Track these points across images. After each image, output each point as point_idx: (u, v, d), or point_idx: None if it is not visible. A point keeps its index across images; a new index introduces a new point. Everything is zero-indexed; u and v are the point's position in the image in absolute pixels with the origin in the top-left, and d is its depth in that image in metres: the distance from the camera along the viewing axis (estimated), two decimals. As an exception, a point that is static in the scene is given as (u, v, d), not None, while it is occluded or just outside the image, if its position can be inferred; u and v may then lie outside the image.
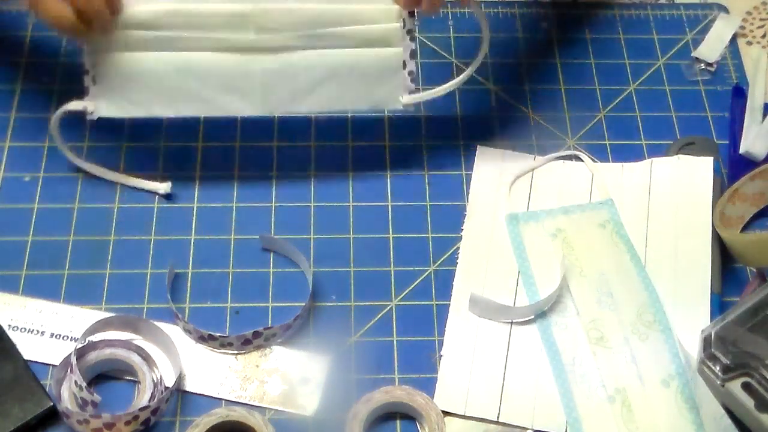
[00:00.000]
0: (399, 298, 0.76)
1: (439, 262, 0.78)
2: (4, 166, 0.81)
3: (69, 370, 0.69)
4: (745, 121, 0.86)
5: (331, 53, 0.76)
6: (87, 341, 0.71)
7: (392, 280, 0.77)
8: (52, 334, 0.73)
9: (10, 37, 0.88)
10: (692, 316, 0.74)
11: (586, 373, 0.73)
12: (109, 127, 0.83)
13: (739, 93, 0.88)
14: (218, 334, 0.72)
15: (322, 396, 0.71)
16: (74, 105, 0.76)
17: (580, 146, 0.85)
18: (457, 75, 0.88)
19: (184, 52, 0.75)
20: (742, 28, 0.94)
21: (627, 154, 0.84)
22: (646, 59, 0.91)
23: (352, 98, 0.78)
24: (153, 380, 0.71)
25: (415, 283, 0.77)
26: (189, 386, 0.71)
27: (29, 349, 0.72)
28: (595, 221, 0.80)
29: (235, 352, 0.73)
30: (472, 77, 0.88)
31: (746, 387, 0.66)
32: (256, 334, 0.72)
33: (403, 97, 0.78)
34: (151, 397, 0.70)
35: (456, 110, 0.87)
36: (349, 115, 0.86)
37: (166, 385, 0.70)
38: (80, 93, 0.79)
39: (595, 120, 0.87)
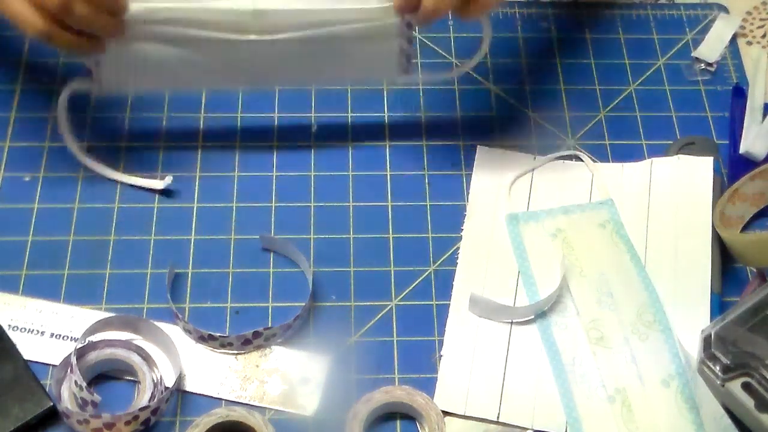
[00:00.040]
0: (399, 298, 0.76)
1: (439, 262, 0.78)
2: (4, 166, 0.81)
3: (69, 370, 0.69)
4: (745, 121, 0.86)
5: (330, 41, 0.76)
6: (87, 341, 0.71)
7: (392, 280, 0.77)
8: (52, 334, 0.73)
9: (10, 37, 0.88)
10: (692, 316, 0.74)
11: (586, 373, 0.73)
12: (109, 126, 0.83)
13: (739, 93, 0.88)
14: (218, 334, 0.72)
15: (322, 396, 0.71)
16: (79, 83, 0.77)
17: (580, 146, 0.85)
18: (458, 76, 0.89)
19: (185, 45, 0.75)
20: (742, 28, 0.94)
21: (627, 154, 0.84)
22: (646, 59, 0.91)
23: (350, 73, 0.79)
24: (153, 380, 0.71)
25: (415, 283, 0.77)
26: (189, 386, 0.71)
27: (29, 349, 0.72)
28: (595, 221, 0.80)
29: (235, 352, 0.73)
30: (472, 77, 0.88)
31: (746, 387, 0.66)
32: (256, 334, 0.72)
33: (400, 71, 0.78)
34: (151, 397, 0.70)
35: (456, 110, 0.87)
36: (349, 114, 0.86)
37: (166, 385, 0.70)
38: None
39: (595, 120, 0.87)
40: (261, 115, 0.85)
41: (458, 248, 0.79)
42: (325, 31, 0.75)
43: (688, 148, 0.84)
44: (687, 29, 0.93)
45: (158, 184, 0.80)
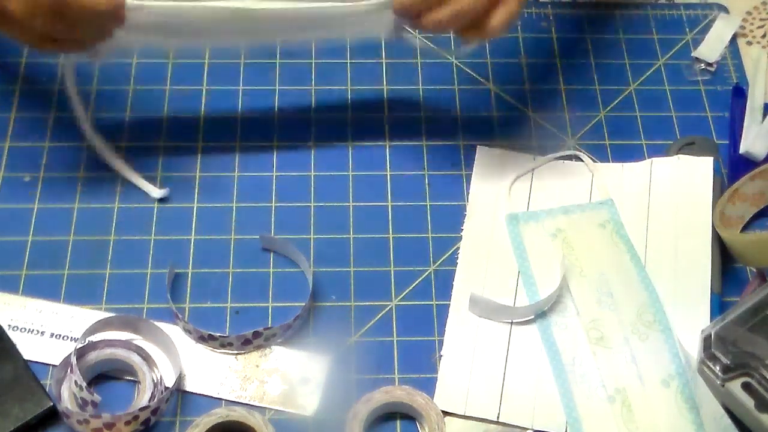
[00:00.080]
0: (399, 298, 0.76)
1: (439, 262, 0.78)
2: (4, 166, 0.81)
3: (69, 370, 0.69)
4: (745, 121, 0.86)
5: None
6: (87, 341, 0.71)
7: (392, 280, 0.77)
8: (52, 334, 0.73)
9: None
10: (692, 316, 0.74)
11: (586, 373, 0.73)
12: (109, 126, 0.83)
13: (739, 93, 0.88)
14: (218, 334, 0.72)
15: (322, 396, 0.71)
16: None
17: (580, 146, 0.85)
18: (458, 76, 0.89)
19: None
20: (742, 28, 0.94)
21: (627, 154, 0.84)
22: (646, 59, 0.91)
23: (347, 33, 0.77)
24: (153, 380, 0.71)
25: (415, 283, 0.77)
26: (189, 386, 0.71)
27: (29, 349, 0.72)
28: (595, 221, 0.80)
29: (235, 352, 0.73)
30: (473, 77, 0.88)
31: (746, 387, 0.66)
32: (256, 334, 0.72)
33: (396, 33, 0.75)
34: (151, 397, 0.70)
35: (456, 110, 0.87)
36: (350, 114, 0.86)
37: (166, 385, 0.70)
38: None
39: (595, 120, 0.87)
40: (261, 115, 0.85)
41: (458, 248, 0.79)
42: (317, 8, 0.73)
43: (688, 148, 0.84)
44: (687, 29, 0.93)
45: (155, 192, 0.79)
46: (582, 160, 0.84)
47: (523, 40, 0.92)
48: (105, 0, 0.67)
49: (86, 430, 0.68)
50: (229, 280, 0.76)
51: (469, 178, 0.82)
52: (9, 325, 0.73)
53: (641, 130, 0.86)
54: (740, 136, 0.85)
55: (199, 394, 0.71)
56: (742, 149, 0.84)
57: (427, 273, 0.78)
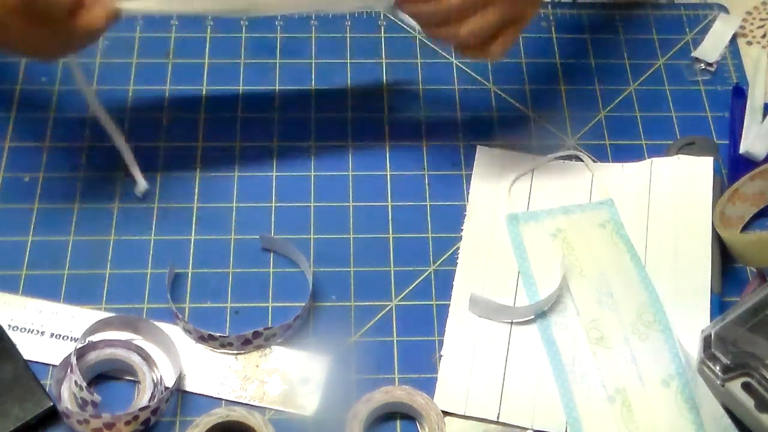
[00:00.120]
0: (399, 298, 0.76)
1: (439, 262, 0.78)
2: (4, 166, 0.81)
3: (69, 370, 0.69)
4: (745, 121, 0.86)
5: None
6: (87, 341, 0.71)
7: (392, 280, 0.77)
8: (52, 334, 0.73)
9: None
10: (692, 316, 0.74)
11: (586, 373, 0.73)
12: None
13: (739, 93, 0.88)
14: (218, 334, 0.72)
15: (322, 396, 0.71)
16: None
17: (580, 146, 0.85)
18: (458, 76, 0.89)
19: None
20: (742, 28, 0.94)
21: (627, 154, 0.84)
22: (646, 59, 0.91)
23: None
24: (153, 380, 0.71)
25: (415, 283, 0.77)
26: (189, 386, 0.71)
27: (29, 349, 0.72)
28: (595, 221, 0.80)
29: (235, 352, 0.73)
30: (473, 77, 0.88)
31: (746, 387, 0.66)
32: (256, 334, 0.72)
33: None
34: (151, 397, 0.70)
35: (456, 110, 0.87)
36: (350, 114, 0.86)
37: (166, 385, 0.70)
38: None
39: (595, 120, 0.87)
40: (261, 115, 0.85)
41: (458, 248, 0.79)
42: None
43: (688, 148, 0.84)
44: (687, 29, 0.93)
45: (141, 185, 0.79)
46: (582, 160, 0.84)
47: (523, 40, 0.91)
48: (102, 22, 0.67)
49: (86, 430, 0.68)
50: (229, 280, 0.76)
51: (469, 178, 0.82)
52: (9, 325, 0.73)
53: (641, 130, 0.86)
54: (740, 136, 0.85)
55: (199, 394, 0.71)
56: (742, 149, 0.84)
57: (427, 273, 0.78)
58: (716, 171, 0.81)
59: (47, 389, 0.69)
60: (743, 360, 0.66)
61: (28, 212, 0.79)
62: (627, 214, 0.80)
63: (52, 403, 0.68)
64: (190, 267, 0.77)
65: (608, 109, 0.87)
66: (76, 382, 0.68)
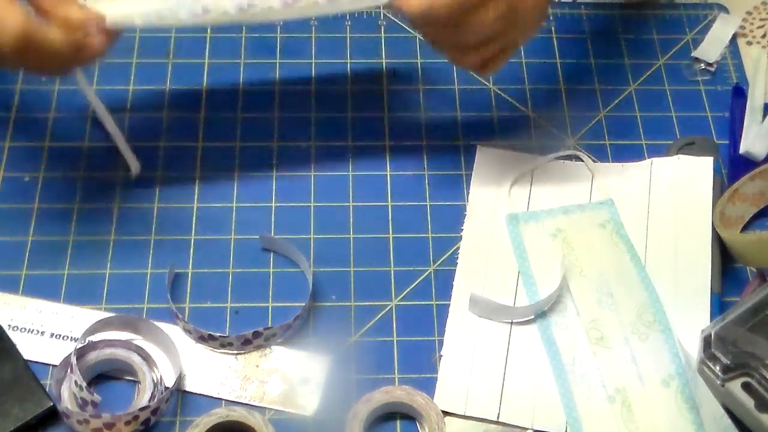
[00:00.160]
0: (399, 298, 0.76)
1: (439, 262, 0.78)
2: (4, 166, 0.81)
3: (69, 370, 0.69)
4: (745, 121, 0.86)
5: None
6: (87, 341, 0.71)
7: (392, 280, 0.77)
8: (52, 334, 0.73)
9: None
10: (692, 316, 0.74)
11: (586, 373, 0.73)
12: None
13: (739, 93, 0.88)
14: (218, 334, 0.72)
15: (322, 396, 0.71)
16: None
17: (580, 146, 0.85)
18: (458, 76, 0.89)
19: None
20: (742, 28, 0.94)
21: (627, 154, 0.84)
22: (646, 59, 0.91)
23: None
24: (153, 380, 0.71)
25: (415, 283, 0.77)
26: (189, 386, 0.71)
27: (29, 349, 0.72)
28: (595, 221, 0.80)
29: (235, 352, 0.73)
30: (473, 77, 0.88)
31: (746, 387, 0.66)
32: (256, 334, 0.72)
33: None
34: (151, 397, 0.70)
35: (456, 110, 0.87)
36: (350, 114, 0.86)
37: (166, 385, 0.70)
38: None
39: (595, 120, 0.87)
40: (261, 115, 0.85)
41: (458, 248, 0.79)
42: None
43: (688, 148, 0.84)
44: (687, 29, 0.93)
45: (134, 165, 0.79)
46: (582, 160, 0.84)
47: (523, 40, 0.92)
48: (103, 49, 0.67)
49: (86, 430, 0.68)
50: (229, 280, 0.76)
51: (469, 178, 0.82)
52: (9, 325, 0.73)
53: (641, 130, 0.86)
54: (740, 136, 0.85)
55: (199, 394, 0.71)
56: (742, 149, 0.84)
57: (427, 273, 0.78)
58: (716, 171, 0.81)
59: (47, 389, 0.69)
60: (743, 360, 0.66)
61: (28, 212, 0.79)
62: (627, 214, 0.80)
63: (52, 403, 0.68)
64: (190, 267, 0.77)
65: (608, 109, 0.87)
66: (76, 382, 0.68)
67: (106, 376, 0.72)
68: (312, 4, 0.70)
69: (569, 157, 0.84)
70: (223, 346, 0.73)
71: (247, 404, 0.71)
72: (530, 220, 0.80)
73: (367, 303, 0.76)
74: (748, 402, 0.66)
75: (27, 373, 0.70)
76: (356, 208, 0.80)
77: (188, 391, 0.71)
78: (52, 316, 0.74)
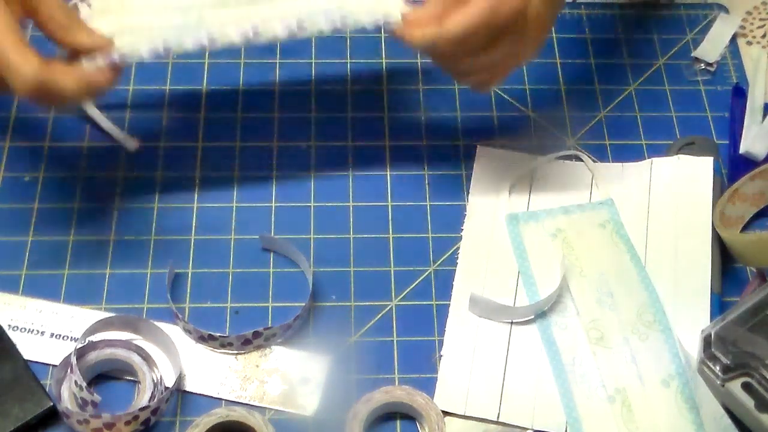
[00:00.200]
0: (399, 298, 0.76)
1: (439, 262, 0.78)
2: (4, 166, 0.81)
3: (69, 370, 0.69)
4: (745, 121, 0.86)
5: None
6: (87, 341, 0.71)
7: (392, 280, 0.77)
8: (52, 334, 0.73)
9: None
10: (692, 316, 0.74)
11: (586, 373, 0.73)
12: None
13: (739, 93, 0.88)
14: (218, 334, 0.72)
15: (322, 396, 0.71)
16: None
17: (580, 146, 0.85)
18: (458, 76, 0.89)
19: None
20: (742, 28, 0.94)
21: (627, 154, 0.84)
22: (646, 59, 0.91)
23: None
24: (153, 380, 0.71)
25: (415, 283, 0.77)
26: (189, 386, 0.71)
27: (29, 349, 0.72)
28: (595, 221, 0.80)
29: (235, 352, 0.73)
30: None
31: (746, 387, 0.66)
32: (256, 334, 0.72)
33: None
34: (151, 397, 0.70)
35: (456, 110, 0.87)
36: (350, 114, 0.86)
37: (166, 385, 0.70)
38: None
39: (595, 120, 0.87)
40: (261, 115, 0.85)
41: (458, 248, 0.79)
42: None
43: (688, 148, 0.84)
44: (687, 29, 0.93)
45: (129, 142, 0.80)
46: (582, 160, 0.84)
47: (523, 40, 0.91)
48: (111, 83, 0.67)
49: (86, 430, 0.68)
50: (229, 280, 0.76)
51: (469, 178, 0.82)
52: (9, 325, 0.73)
53: (641, 130, 0.86)
54: (740, 136, 0.85)
55: (199, 394, 0.71)
56: (742, 149, 0.84)
57: (427, 273, 0.78)
58: (716, 171, 0.81)
59: (47, 389, 0.69)
60: (743, 360, 0.66)
61: (28, 212, 0.79)
62: (627, 214, 0.80)
63: (52, 403, 0.68)
64: (190, 267, 0.77)
65: (608, 109, 0.87)
66: (76, 382, 0.68)
67: (106, 376, 0.72)
68: (316, 33, 0.70)
69: (569, 157, 0.84)
70: (223, 346, 0.73)
71: (247, 404, 0.71)
72: (530, 220, 0.80)
73: (367, 303, 0.76)
74: (748, 402, 0.66)
75: (27, 373, 0.70)
76: (356, 208, 0.80)
77: (188, 391, 0.71)
78: (52, 316, 0.74)
